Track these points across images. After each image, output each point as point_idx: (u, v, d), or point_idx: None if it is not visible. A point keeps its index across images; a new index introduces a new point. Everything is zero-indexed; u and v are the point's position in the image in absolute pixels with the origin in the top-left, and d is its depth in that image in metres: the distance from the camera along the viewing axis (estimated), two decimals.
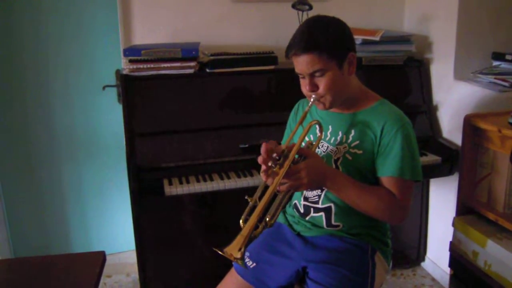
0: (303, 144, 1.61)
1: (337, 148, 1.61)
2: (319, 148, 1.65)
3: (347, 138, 1.59)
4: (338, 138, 1.61)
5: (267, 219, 1.51)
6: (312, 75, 1.50)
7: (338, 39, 1.49)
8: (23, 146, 2.65)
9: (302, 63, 1.48)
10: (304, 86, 1.55)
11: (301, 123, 1.58)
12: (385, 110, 1.58)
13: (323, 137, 1.64)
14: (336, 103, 1.57)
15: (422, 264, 2.88)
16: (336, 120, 1.64)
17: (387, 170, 1.53)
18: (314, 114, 1.70)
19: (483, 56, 2.45)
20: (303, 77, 1.54)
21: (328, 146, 1.63)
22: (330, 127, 1.65)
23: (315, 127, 1.61)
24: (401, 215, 1.55)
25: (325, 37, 1.46)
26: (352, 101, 1.61)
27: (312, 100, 1.54)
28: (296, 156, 1.48)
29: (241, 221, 1.44)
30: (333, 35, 1.48)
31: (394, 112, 1.57)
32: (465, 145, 2.10)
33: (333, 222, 1.64)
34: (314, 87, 1.52)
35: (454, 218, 2.13)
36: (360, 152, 1.57)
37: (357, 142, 1.57)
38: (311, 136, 1.66)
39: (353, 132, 1.59)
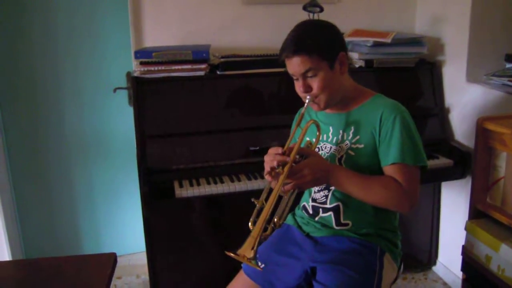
0: (303, 144, 1.64)
1: (339, 147, 1.63)
2: (322, 150, 1.68)
3: (348, 135, 1.62)
4: (339, 137, 1.64)
5: (275, 220, 1.56)
6: (305, 76, 1.55)
7: (327, 40, 1.55)
8: (34, 148, 2.67)
9: (294, 64, 1.54)
10: (298, 88, 1.59)
11: (298, 124, 1.64)
12: (381, 102, 1.61)
13: (325, 138, 1.68)
14: (330, 103, 1.61)
15: (434, 268, 2.86)
16: (335, 121, 1.67)
17: (390, 158, 1.54)
18: (313, 117, 1.74)
19: (496, 58, 2.43)
20: (297, 79, 1.58)
21: (331, 147, 1.65)
22: (330, 128, 1.67)
23: (315, 129, 1.64)
24: (409, 203, 1.55)
25: (314, 39, 1.52)
26: (348, 100, 1.65)
27: (307, 101, 1.58)
28: (298, 156, 1.52)
29: (249, 223, 1.48)
30: (322, 36, 1.54)
31: (390, 102, 1.61)
32: (477, 148, 2.08)
33: (342, 221, 1.65)
34: (308, 88, 1.56)
35: (467, 222, 2.11)
36: (362, 146, 1.59)
37: (358, 137, 1.60)
38: (314, 139, 1.68)
39: (352, 128, 1.62)
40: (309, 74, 1.53)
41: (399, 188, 1.52)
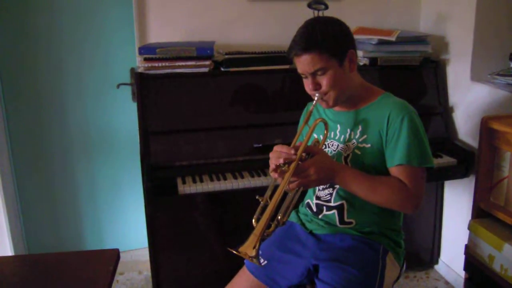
0: (310, 142, 1.63)
1: (346, 145, 1.63)
2: (329, 147, 1.67)
3: (355, 134, 1.62)
4: (347, 135, 1.64)
5: (279, 217, 1.56)
6: (314, 74, 1.54)
7: (337, 37, 1.53)
8: (37, 144, 2.67)
9: (303, 63, 1.52)
10: (307, 86, 1.58)
11: (306, 122, 1.63)
12: (389, 101, 1.60)
13: (332, 136, 1.67)
14: (339, 101, 1.60)
15: (436, 266, 2.86)
16: (343, 119, 1.66)
17: (396, 159, 1.54)
18: (322, 115, 1.73)
19: (501, 57, 2.41)
20: (306, 77, 1.57)
21: (338, 145, 1.65)
22: (338, 126, 1.67)
23: (322, 126, 1.63)
24: (414, 204, 1.55)
25: (324, 36, 1.50)
26: (356, 98, 1.63)
27: (316, 99, 1.57)
28: (304, 154, 1.52)
29: (253, 220, 1.47)
30: (332, 34, 1.52)
31: (398, 102, 1.59)
32: (481, 147, 2.07)
33: (345, 219, 1.65)
34: (317, 86, 1.55)
35: (470, 221, 2.11)
36: (368, 145, 1.58)
37: (365, 136, 1.59)
38: (321, 136, 1.67)
39: (360, 127, 1.61)
40: (319, 72, 1.52)
41: (405, 189, 1.52)
